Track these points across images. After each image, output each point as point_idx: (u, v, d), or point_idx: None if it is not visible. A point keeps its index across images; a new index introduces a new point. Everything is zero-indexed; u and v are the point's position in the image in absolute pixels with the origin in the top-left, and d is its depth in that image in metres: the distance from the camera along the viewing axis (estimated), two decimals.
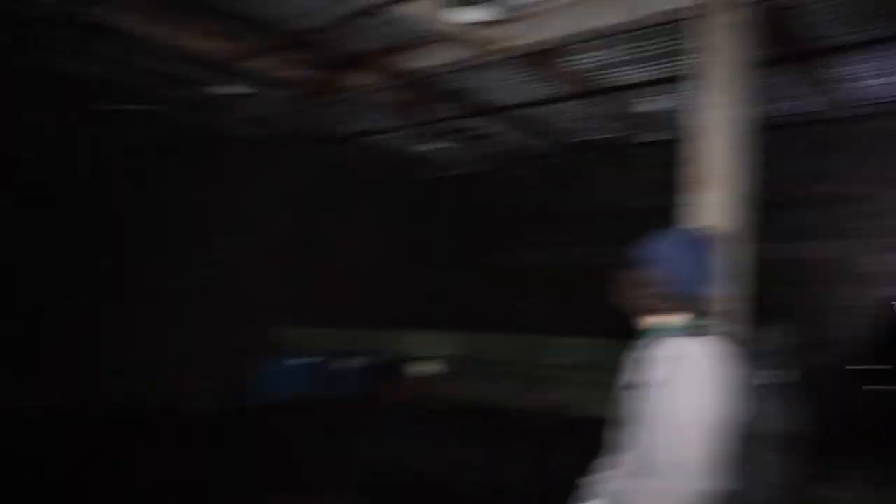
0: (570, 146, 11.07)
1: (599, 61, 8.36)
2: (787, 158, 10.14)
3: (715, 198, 5.49)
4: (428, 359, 12.98)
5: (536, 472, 6.93)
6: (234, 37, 7.83)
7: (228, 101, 9.70)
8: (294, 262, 12.11)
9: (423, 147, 11.47)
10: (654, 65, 8.34)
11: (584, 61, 8.37)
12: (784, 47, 7.33)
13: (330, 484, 6.90)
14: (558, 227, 12.24)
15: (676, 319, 2.24)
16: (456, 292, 13.38)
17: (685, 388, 2.03)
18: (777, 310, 10.00)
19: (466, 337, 12.74)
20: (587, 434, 4.01)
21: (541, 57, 8.05)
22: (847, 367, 7.32)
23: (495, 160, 12.07)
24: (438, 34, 6.91)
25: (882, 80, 8.64)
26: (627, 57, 8.19)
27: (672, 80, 8.17)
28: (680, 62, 7.51)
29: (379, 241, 13.72)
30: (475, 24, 6.90)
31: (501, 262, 13.00)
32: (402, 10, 6.64)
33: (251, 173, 11.56)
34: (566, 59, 8.28)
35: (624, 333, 2.44)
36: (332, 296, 12.68)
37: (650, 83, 8.66)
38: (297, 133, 11.35)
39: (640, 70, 8.54)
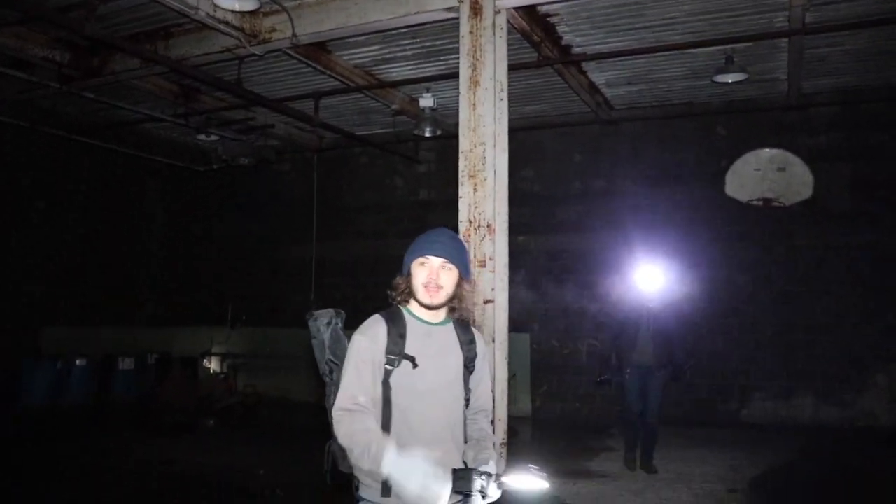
0: (349, 139, 11.04)
1: (376, 56, 8.41)
2: (553, 156, 10.85)
3: (480, 192, 5.68)
4: (212, 355, 12.49)
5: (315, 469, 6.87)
6: None
7: None
8: (66, 256, 11.13)
9: (198, 138, 10.88)
10: (431, 61, 8.52)
11: (360, 56, 8.38)
12: (548, 52, 7.76)
13: (104, 493, 6.44)
14: (338, 219, 12.19)
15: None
16: (238, 285, 12.93)
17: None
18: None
19: (251, 331, 12.40)
20: None
21: (315, 50, 7.93)
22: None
23: (274, 152, 11.76)
24: (204, 20, 6.53)
25: (633, 87, 9.46)
26: (404, 53, 8.31)
27: (448, 77, 8.35)
28: (454, 60, 7.70)
29: (157, 234, 12.92)
30: (243, 12, 6.63)
31: (282, 255, 12.72)
32: None
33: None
34: (342, 52, 8.24)
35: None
36: (108, 293, 11.80)
37: (427, 79, 8.81)
38: (55, 118, 10.33)
39: (417, 66, 8.69)
